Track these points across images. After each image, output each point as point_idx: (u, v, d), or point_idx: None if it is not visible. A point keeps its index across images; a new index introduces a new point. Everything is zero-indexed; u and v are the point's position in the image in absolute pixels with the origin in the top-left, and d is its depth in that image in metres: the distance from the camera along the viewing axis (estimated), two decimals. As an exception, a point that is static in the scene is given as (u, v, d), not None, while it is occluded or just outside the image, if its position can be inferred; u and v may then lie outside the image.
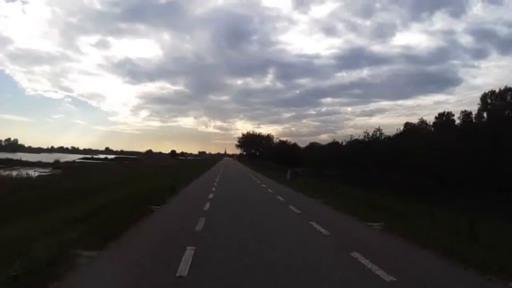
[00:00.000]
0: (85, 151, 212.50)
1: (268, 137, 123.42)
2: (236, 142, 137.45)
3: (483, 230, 9.43)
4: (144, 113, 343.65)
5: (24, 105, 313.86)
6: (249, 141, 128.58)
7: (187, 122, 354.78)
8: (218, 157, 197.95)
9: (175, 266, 5.70)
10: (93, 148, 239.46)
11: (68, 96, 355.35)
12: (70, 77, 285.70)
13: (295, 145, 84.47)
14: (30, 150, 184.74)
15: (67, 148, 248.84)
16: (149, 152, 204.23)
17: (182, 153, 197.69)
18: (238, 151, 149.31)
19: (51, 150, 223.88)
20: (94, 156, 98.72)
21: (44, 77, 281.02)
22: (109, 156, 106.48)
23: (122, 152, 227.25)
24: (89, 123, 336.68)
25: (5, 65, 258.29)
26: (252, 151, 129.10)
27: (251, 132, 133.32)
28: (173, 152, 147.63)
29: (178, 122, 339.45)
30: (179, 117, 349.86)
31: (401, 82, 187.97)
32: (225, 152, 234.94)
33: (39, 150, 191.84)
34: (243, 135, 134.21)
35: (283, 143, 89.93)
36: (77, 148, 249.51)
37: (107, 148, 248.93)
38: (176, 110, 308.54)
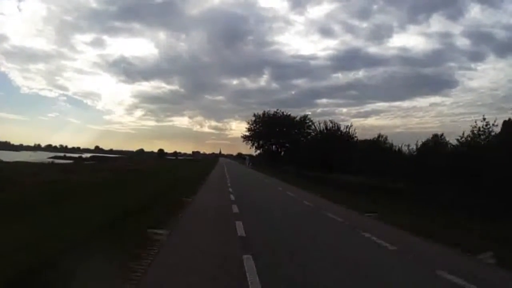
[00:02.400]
0: (73, 150, 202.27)
1: (304, 122, 66.28)
2: (245, 131, 73.68)
3: None
4: (139, 112, 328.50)
5: (19, 104, 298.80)
6: (272, 128, 68.61)
7: (182, 121, 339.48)
8: (212, 157, 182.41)
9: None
10: (82, 147, 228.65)
11: (63, 95, 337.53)
12: (65, 76, 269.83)
13: (347, 134, 44.34)
14: (13, 148, 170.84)
15: (55, 147, 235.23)
16: (140, 151, 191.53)
17: (175, 153, 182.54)
18: (245, 148, 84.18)
19: (36, 148, 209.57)
20: (67, 155, 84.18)
21: (39, 75, 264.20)
22: (86, 155, 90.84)
23: (111, 151, 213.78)
24: (83, 122, 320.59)
25: (0, 63, 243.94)
26: (273, 146, 71.37)
27: (272, 113, 71.62)
28: (160, 151, 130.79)
29: (173, 121, 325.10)
30: (174, 117, 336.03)
31: (397, 83, 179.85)
32: (220, 152, 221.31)
33: (22, 148, 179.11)
34: (258, 116, 71.73)
35: (331, 132, 45.56)
36: (66, 146, 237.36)
37: (96, 147, 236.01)
38: (171, 110, 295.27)
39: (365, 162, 24.55)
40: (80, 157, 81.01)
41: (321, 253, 7.11)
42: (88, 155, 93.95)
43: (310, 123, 63.19)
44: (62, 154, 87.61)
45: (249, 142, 72.06)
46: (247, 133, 72.05)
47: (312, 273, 5.62)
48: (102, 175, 25.66)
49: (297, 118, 67.73)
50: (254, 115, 71.65)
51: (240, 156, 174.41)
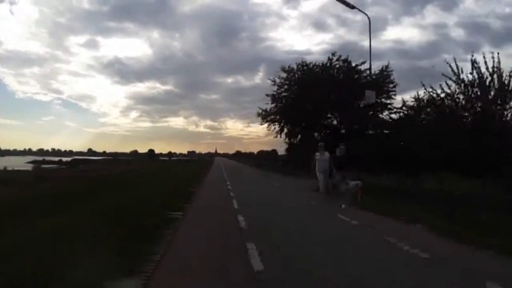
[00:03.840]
0: (65, 153, 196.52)
1: (382, 82, 25.68)
2: (266, 104, 28.96)
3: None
4: (134, 114, 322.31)
5: (14, 108, 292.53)
6: (321, 93, 25.07)
7: (177, 122, 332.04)
8: (208, 157, 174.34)
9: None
10: (76, 150, 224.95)
11: (58, 98, 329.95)
12: (60, 79, 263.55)
13: None
14: (0, 153, 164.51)
15: (47, 151, 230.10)
16: (134, 152, 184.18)
17: (169, 153, 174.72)
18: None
19: (26, 152, 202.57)
20: (46, 159, 77.54)
21: (34, 79, 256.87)
22: (66, 159, 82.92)
23: (104, 153, 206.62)
24: (79, 125, 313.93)
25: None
26: (320, 132, 28.06)
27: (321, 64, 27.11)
28: (151, 152, 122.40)
29: (168, 122, 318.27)
30: (169, 117, 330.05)
31: (392, 77, 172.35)
32: (216, 151, 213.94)
33: (12, 153, 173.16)
34: (293, 70, 27.79)
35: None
36: (58, 150, 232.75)
37: (89, 150, 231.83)
38: (166, 110, 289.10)
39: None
40: (60, 160, 73.82)
41: None
42: (69, 158, 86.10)
43: (392, 84, 27.21)
44: (41, 159, 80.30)
45: (273, 125, 30.63)
46: (271, 105, 30.11)
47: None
48: (37, 188, 17.74)
49: (368, 75, 26.13)
50: (284, 69, 29.12)
51: (238, 154, 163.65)
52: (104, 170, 35.32)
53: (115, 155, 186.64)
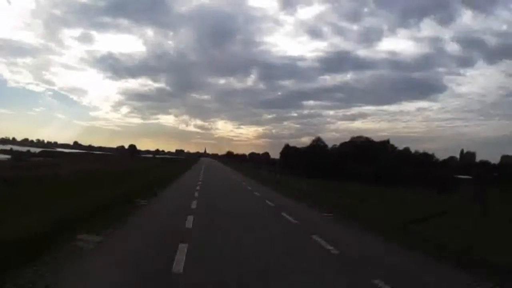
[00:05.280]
0: (49, 145, 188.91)
1: None
2: None
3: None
4: (125, 109, 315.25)
5: (6, 97, 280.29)
6: None
7: (167, 120, 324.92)
8: (195, 156, 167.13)
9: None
10: (61, 142, 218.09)
11: (50, 90, 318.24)
12: (52, 70, 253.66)
13: None
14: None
15: (32, 141, 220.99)
16: (120, 148, 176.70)
17: (156, 151, 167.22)
18: None
19: (8, 141, 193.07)
20: (14, 149, 72.55)
21: (26, 69, 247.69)
22: (35, 150, 77.09)
23: (89, 147, 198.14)
24: (69, 117, 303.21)
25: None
26: None
27: None
28: (132, 148, 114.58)
29: (159, 119, 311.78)
30: (159, 115, 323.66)
31: (385, 87, 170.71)
32: (205, 151, 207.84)
33: None
34: None
35: None
36: (43, 141, 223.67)
37: (75, 143, 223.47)
38: (157, 108, 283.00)
39: None
40: (28, 151, 69.53)
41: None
42: (38, 150, 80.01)
43: None
44: (9, 148, 74.55)
45: None
46: None
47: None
48: None
49: None
50: None
51: (229, 156, 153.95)
52: (57, 167, 28.66)
53: (101, 149, 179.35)
